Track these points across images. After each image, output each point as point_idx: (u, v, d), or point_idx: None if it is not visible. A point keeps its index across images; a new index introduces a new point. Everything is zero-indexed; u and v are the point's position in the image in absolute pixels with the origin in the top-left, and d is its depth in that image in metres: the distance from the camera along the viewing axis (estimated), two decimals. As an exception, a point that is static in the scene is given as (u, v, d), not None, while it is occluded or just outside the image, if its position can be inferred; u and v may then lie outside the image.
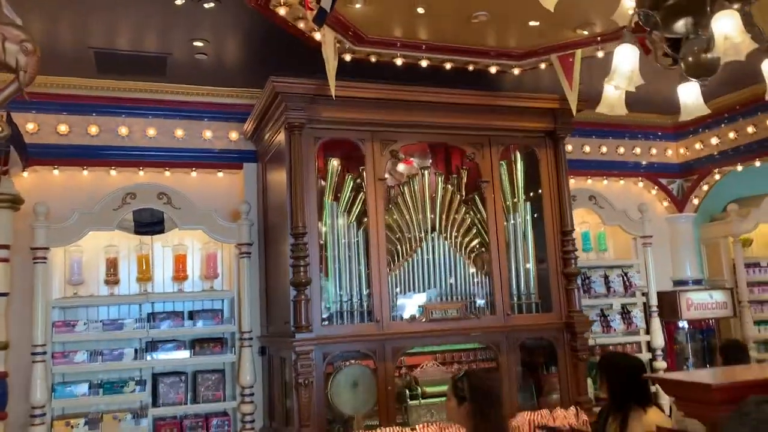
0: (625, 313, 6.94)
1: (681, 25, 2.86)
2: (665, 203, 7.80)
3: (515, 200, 5.71)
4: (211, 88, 5.96)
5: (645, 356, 6.94)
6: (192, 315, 5.74)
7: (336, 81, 4.61)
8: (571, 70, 5.30)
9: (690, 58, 2.85)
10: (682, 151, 7.68)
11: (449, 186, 5.57)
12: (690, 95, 3.14)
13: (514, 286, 5.50)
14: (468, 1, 4.53)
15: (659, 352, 6.87)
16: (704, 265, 7.87)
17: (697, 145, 7.45)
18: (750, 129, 6.76)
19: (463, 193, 5.67)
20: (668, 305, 7.01)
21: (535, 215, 5.70)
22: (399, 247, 5.35)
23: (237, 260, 5.78)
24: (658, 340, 6.86)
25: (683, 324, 7.17)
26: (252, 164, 6.09)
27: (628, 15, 3.12)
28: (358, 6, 4.44)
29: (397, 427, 4.85)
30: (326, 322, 5.00)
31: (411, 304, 5.22)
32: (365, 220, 5.26)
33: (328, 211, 5.17)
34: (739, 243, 7.47)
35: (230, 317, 5.78)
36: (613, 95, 3.09)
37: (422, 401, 5.13)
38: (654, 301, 6.90)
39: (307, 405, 4.67)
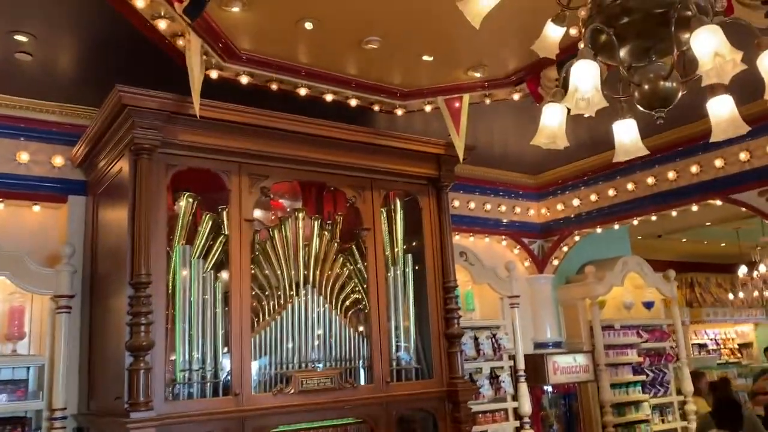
0: (493, 377, 6.57)
1: (636, 47, 2.49)
2: (526, 263, 7.72)
3: (395, 251, 5.15)
4: (33, 101, 4.79)
5: (512, 425, 6.59)
6: (-17, 388, 4.36)
7: (200, 100, 3.80)
8: (459, 114, 4.96)
9: (646, 86, 2.48)
10: (543, 211, 7.70)
11: (325, 232, 4.87)
12: (627, 133, 2.77)
13: (394, 350, 4.86)
14: (363, 23, 4.01)
15: (527, 420, 6.55)
16: (562, 327, 7.83)
17: (559, 206, 7.50)
18: (611, 192, 6.89)
19: (338, 242, 4.99)
20: (535, 369, 6.77)
21: (416, 268, 5.16)
22: (266, 303, 4.51)
23: (52, 317, 4.54)
24: (526, 406, 6.54)
25: (548, 389, 6.96)
26: (79, 197, 4.94)
27: (553, 45, 2.68)
28: (235, 10, 3.71)
29: None
30: (171, 398, 3.97)
31: (277, 373, 4.35)
32: (224, 269, 4.38)
33: (179, 257, 4.22)
34: (596, 305, 7.53)
35: (37, 390, 4.47)
36: (553, 124, 2.63)
37: None
38: (521, 364, 6.62)
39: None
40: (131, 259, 3.87)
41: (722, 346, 14.88)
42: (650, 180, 6.50)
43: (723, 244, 13.07)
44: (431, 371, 4.96)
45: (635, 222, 7.01)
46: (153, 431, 3.67)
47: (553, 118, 2.57)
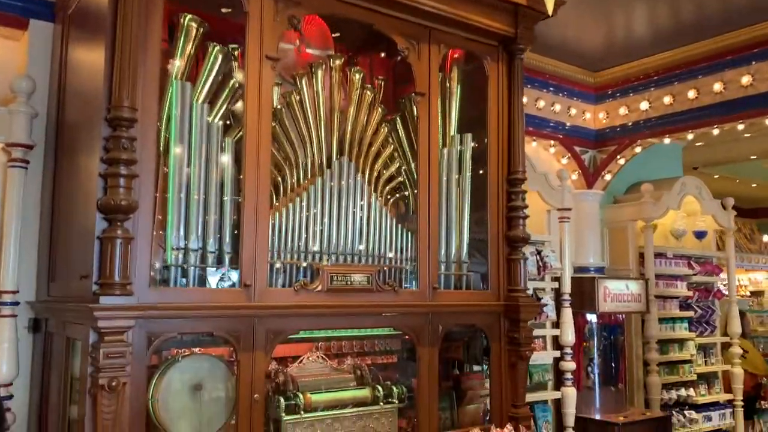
0: (535, 300, 5.61)
1: None
2: (574, 176, 6.65)
3: (449, 131, 4.04)
4: None
5: (551, 354, 5.70)
6: None
7: None
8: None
9: None
10: (601, 115, 6.57)
11: (367, 92, 3.73)
12: None
13: (443, 251, 3.82)
14: None
15: (568, 350, 5.64)
16: (606, 252, 6.86)
17: (621, 110, 6.37)
18: (691, 93, 5.76)
19: (383, 108, 3.85)
20: (582, 294, 5.82)
21: (475, 154, 4.06)
22: (288, 174, 3.42)
23: (3, 172, 3.43)
24: (569, 335, 5.62)
25: (592, 318, 6.04)
26: (45, 23, 3.72)
27: None
28: None
29: (267, 461, 2.95)
30: (159, 283, 2.93)
31: (300, 265, 3.30)
32: (236, 123, 3.27)
33: (177, 95, 3.07)
34: (650, 229, 6.53)
35: (-20, 268, 3.41)
36: None
37: (304, 415, 3.25)
38: (567, 287, 5.66)
39: (111, 423, 2.58)
40: (108, 84, 2.73)
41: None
42: (745, 79, 5.38)
43: (754, 185, 12.18)
44: (487, 281, 3.95)
45: (716, 131, 5.92)
46: (132, 324, 2.64)
47: None
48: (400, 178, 3.83)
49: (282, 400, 3.21)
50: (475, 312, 3.85)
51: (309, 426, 3.24)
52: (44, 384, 3.33)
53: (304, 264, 3.30)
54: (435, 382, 3.63)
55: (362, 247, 3.50)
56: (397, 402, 3.55)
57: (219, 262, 3.07)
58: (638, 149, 6.44)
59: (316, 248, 3.34)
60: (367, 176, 3.62)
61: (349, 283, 3.36)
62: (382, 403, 3.50)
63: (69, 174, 3.29)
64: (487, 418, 3.92)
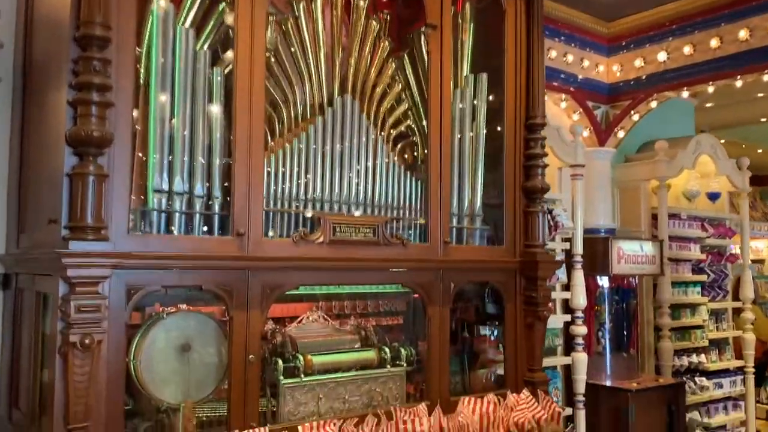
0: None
1: None
2: (585, 133, 6.30)
3: (462, 72, 3.67)
4: None
5: (560, 318, 5.41)
6: None
7: None
8: None
9: None
10: (615, 68, 6.19)
11: (373, 22, 3.35)
12: None
13: (455, 202, 3.48)
14: None
15: (579, 314, 5.35)
16: (616, 212, 6.54)
17: (637, 62, 5.99)
18: (713, 42, 5.40)
19: (390, 41, 3.47)
20: (594, 255, 5.51)
21: (491, 96, 3.70)
22: (285, 113, 3.05)
23: (-37, 110, 3.06)
24: (581, 298, 5.32)
25: (604, 281, 5.75)
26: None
27: None
28: None
29: (263, 429, 2.64)
30: (139, 229, 2.58)
31: (300, 214, 2.96)
32: (225, 53, 2.90)
33: (158, 18, 2.68)
34: (665, 188, 6.21)
35: (-59, 216, 3.06)
36: None
37: (305, 379, 2.94)
38: (579, 248, 5.34)
39: (84, 385, 2.26)
40: (77, 0, 2.35)
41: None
42: (774, 26, 5.02)
43: (760, 151, 11.88)
44: (502, 236, 3.63)
45: (739, 82, 5.56)
46: (107, 274, 2.30)
47: None
48: (409, 122, 3.48)
49: (280, 362, 2.90)
50: (490, 269, 3.54)
51: (309, 390, 2.94)
52: (15, 345, 2.99)
53: (304, 213, 2.95)
54: (446, 343, 3.32)
55: (368, 196, 3.16)
56: (405, 365, 3.25)
57: (208, 208, 2.72)
58: (654, 104, 6.09)
59: (317, 195, 3.00)
60: (372, 118, 3.26)
61: (353, 234, 3.03)
62: (389, 366, 3.20)
63: (39, 115, 2.91)
64: (501, 383, 3.62)
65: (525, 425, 3.10)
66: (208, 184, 2.72)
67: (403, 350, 3.27)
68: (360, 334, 3.35)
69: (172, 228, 2.62)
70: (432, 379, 3.26)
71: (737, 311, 6.96)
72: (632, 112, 6.15)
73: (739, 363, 6.82)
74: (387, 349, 3.23)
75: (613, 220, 6.40)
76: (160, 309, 2.72)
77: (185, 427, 2.63)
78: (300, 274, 2.89)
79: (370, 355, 3.20)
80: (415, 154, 3.51)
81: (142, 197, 2.60)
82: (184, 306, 2.78)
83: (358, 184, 3.13)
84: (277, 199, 2.89)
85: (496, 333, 3.75)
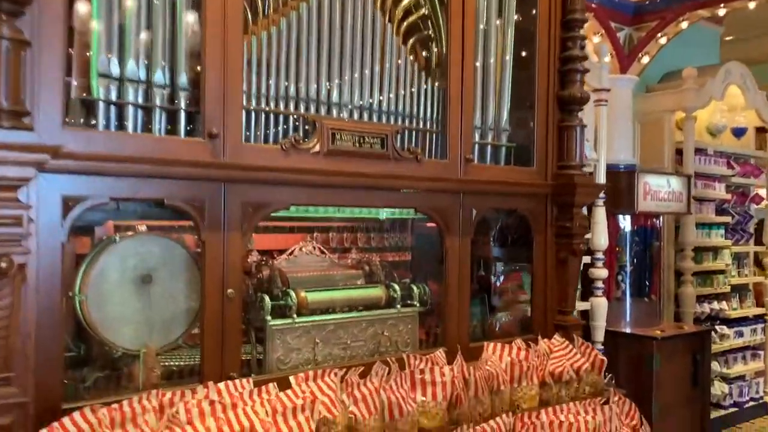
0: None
1: None
2: (606, 57, 5.66)
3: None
4: None
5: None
6: None
7: None
8: None
9: None
10: (642, -16, 5.53)
11: None
12: None
13: (479, 114, 2.89)
14: None
15: (600, 256, 4.83)
16: (637, 147, 5.97)
17: (669, -25, 5.33)
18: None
19: None
20: (617, 191, 4.95)
21: (520, -13, 3.07)
22: (269, -16, 2.41)
23: None
24: (602, 238, 4.78)
25: (626, 221, 5.21)
26: None
27: None
28: None
29: (246, 380, 2.09)
30: (78, 121, 1.97)
31: (291, 116, 2.35)
32: None
33: None
34: (692, 120, 5.64)
35: None
36: None
37: (298, 320, 2.39)
38: (603, 182, 4.78)
39: (3, 323, 1.69)
40: None
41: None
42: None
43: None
44: (532, 155, 3.05)
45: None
46: (29, 176, 1.70)
47: None
48: (424, 11, 2.83)
49: (267, 299, 2.34)
50: (517, 193, 2.97)
51: (304, 333, 2.39)
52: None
53: (296, 115, 2.35)
54: (466, 280, 2.78)
55: (374, 98, 2.55)
56: (418, 305, 2.71)
57: (172, 101, 2.11)
58: (684, 24, 5.45)
59: (311, 94, 2.39)
60: (380, 2, 2.63)
61: (356, 145, 2.43)
62: (398, 306, 2.66)
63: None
64: (527, 327, 3.10)
65: (563, 375, 2.59)
66: (172, 70, 2.09)
67: (415, 288, 2.73)
68: (363, 269, 2.79)
69: (126, 124, 2.01)
70: (449, 322, 2.72)
71: (757, 257, 6.51)
72: (659, 34, 5.51)
73: (759, 311, 6.39)
74: (396, 287, 2.68)
75: (633, 156, 5.83)
76: (113, 231, 2.14)
77: (147, 377, 2.08)
78: (290, 190, 2.30)
79: (377, 292, 2.65)
80: (432, 51, 2.88)
81: (86, 83, 1.99)
82: (143, 227, 2.19)
83: (362, 83, 2.52)
84: (261, 96, 2.28)
85: (521, 270, 3.20)
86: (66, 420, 1.70)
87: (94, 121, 1.97)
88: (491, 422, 2.25)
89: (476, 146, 2.86)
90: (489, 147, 2.92)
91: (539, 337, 2.85)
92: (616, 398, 2.60)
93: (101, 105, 1.97)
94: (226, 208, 2.13)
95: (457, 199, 2.74)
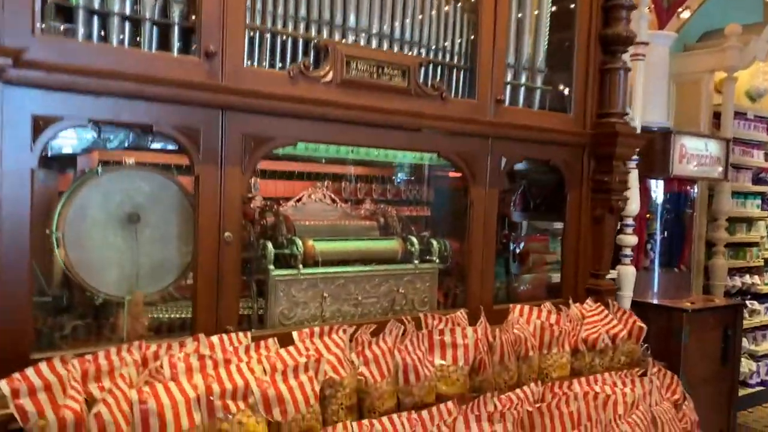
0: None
1: None
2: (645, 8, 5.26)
3: None
4: None
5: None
6: None
7: None
8: None
9: None
10: (687, -72, 5.11)
11: None
12: None
13: (513, 49, 2.57)
14: None
15: (630, 222, 4.52)
16: (671, 109, 5.61)
17: None
18: None
19: None
20: (652, 153, 4.61)
21: None
22: None
23: None
24: (634, 203, 4.46)
25: (658, 186, 4.89)
26: None
27: None
28: None
29: (243, 334, 1.85)
30: (51, 29, 1.70)
31: (299, 38, 2.06)
32: None
33: None
34: (732, 81, 5.27)
35: None
36: None
37: (304, 271, 2.13)
38: (636, 143, 4.45)
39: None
40: None
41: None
42: None
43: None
44: (570, 101, 2.74)
45: None
46: (-13, 81, 1.44)
47: None
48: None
49: (269, 246, 2.08)
50: (552, 142, 2.67)
51: (310, 286, 2.13)
52: None
53: (306, 37, 2.06)
54: (492, 236, 2.51)
55: (395, 25, 2.25)
56: (438, 260, 2.44)
57: (164, 14, 1.82)
58: (732, -25, 5.04)
59: (325, 15, 2.09)
60: None
61: (374, 75, 2.14)
62: (416, 262, 2.39)
63: None
64: (556, 291, 2.83)
65: (597, 343, 2.32)
66: (163, -22, 1.81)
67: (435, 242, 2.45)
68: (378, 221, 2.52)
69: (111, 37, 1.74)
70: (472, 281, 2.46)
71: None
72: (703, -14, 5.11)
73: (791, 287, 6.08)
74: (414, 240, 2.41)
75: (666, 118, 5.47)
76: (95, 162, 1.88)
77: (132, 328, 1.84)
78: (297, 124, 2.02)
79: (393, 245, 2.39)
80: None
81: (61, -13, 1.71)
82: (130, 160, 1.93)
83: (382, 5, 2.21)
84: (267, 13, 1.99)
85: (549, 229, 2.92)
86: (30, 371, 1.46)
87: (72, 32, 1.70)
88: (518, 391, 1.99)
89: (508, 87, 2.55)
90: (522, 88, 2.61)
91: (570, 302, 2.58)
92: (655, 370, 2.34)
93: (81, 13, 1.70)
94: (225, 140, 1.87)
95: (485, 144, 2.45)
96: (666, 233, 4.99)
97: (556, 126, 2.67)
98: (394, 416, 1.77)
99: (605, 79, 2.74)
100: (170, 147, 1.97)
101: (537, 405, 1.91)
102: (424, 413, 1.81)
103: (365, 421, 1.72)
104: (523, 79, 2.62)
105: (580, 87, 2.72)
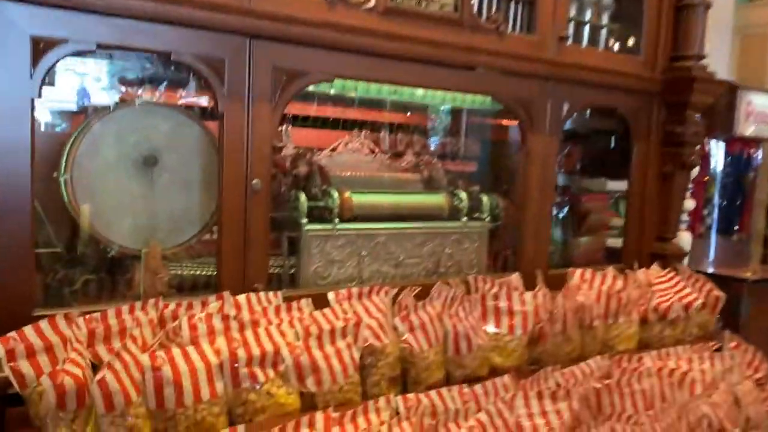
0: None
1: None
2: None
3: None
4: None
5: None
6: None
7: None
8: None
9: None
10: None
11: None
12: None
13: (575, -20, 2.27)
14: None
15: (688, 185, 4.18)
16: (733, 66, 5.20)
17: None
18: None
19: None
20: (716, 110, 4.23)
21: None
22: None
23: None
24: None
25: (719, 147, 4.53)
26: None
27: None
28: None
29: (273, 294, 1.64)
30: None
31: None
32: None
33: None
34: (805, 33, 4.83)
35: None
36: None
37: (340, 226, 1.90)
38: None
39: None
40: None
41: None
42: None
43: None
44: (640, 41, 2.43)
45: None
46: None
47: None
48: None
49: (302, 196, 1.85)
50: (619, 87, 2.36)
51: (347, 244, 1.90)
52: None
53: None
54: (550, 191, 2.25)
55: (447, -53, 1.97)
56: (488, 218, 2.19)
57: (183, -76, 1.57)
58: None
59: (368, -66, 1.82)
60: None
61: (423, 2, 1.87)
62: (465, 219, 2.14)
63: None
64: (617, 255, 2.56)
65: (669, 312, 2.06)
66: None
67: (485, 199, 2.20)
68: (422, 173, 2.27)
69: (119, -51, 1.50)
70: (527, 241, 2.20)
71: None
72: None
73: None
74: (462, 195, 2.16)
75: (729, 74, 5.07)
76: (107, 104, 1.66)
77: (150, 284, 1.64)
78: (335, 57, 1.76)
79: (438, 200, 2.14)
80: None
81: None
82: (146, 95, 1.71)
83: (433, -75, 1.93)
84: (303, -73, 1.72)
85: (613, 187, 2.63)
86: (28, 329, 1.27)
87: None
88: (582, 365, 1.75)
89: (571, 23, 2.25)
90: (587, 26, 2.31)
91: (636, 266, 2.31)
92: (734, 344, 2.07)
93: None
94: (253, 72, 1.63)
95: (545, 87, 2.17)
96: (725, 198, 4.65)
97: (625, 69, 2.36)
98: (444, 390, 1.55)
99: (680, 17, 2.42)
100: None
101: (605, 381, 1.67)
102: (478, 387, 1.58)
103: (410, 395, 1.50)
104: (588, 16, 2.31)
105: (651, 25, 2.40)
